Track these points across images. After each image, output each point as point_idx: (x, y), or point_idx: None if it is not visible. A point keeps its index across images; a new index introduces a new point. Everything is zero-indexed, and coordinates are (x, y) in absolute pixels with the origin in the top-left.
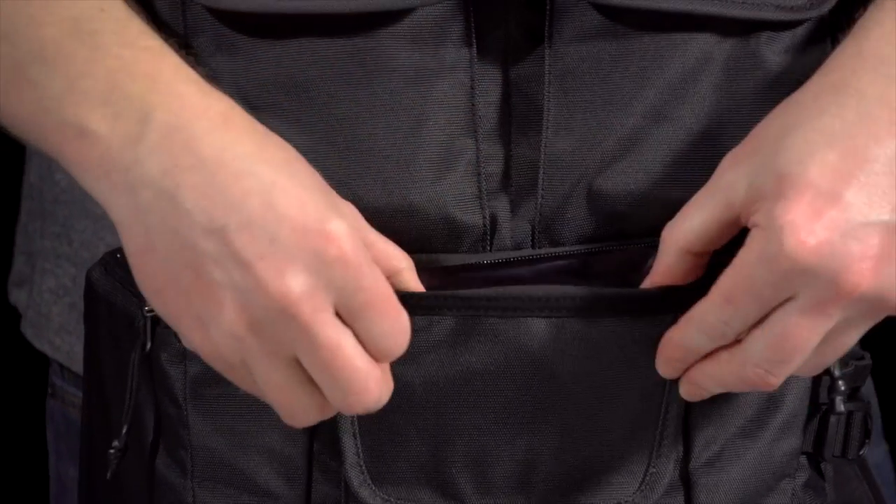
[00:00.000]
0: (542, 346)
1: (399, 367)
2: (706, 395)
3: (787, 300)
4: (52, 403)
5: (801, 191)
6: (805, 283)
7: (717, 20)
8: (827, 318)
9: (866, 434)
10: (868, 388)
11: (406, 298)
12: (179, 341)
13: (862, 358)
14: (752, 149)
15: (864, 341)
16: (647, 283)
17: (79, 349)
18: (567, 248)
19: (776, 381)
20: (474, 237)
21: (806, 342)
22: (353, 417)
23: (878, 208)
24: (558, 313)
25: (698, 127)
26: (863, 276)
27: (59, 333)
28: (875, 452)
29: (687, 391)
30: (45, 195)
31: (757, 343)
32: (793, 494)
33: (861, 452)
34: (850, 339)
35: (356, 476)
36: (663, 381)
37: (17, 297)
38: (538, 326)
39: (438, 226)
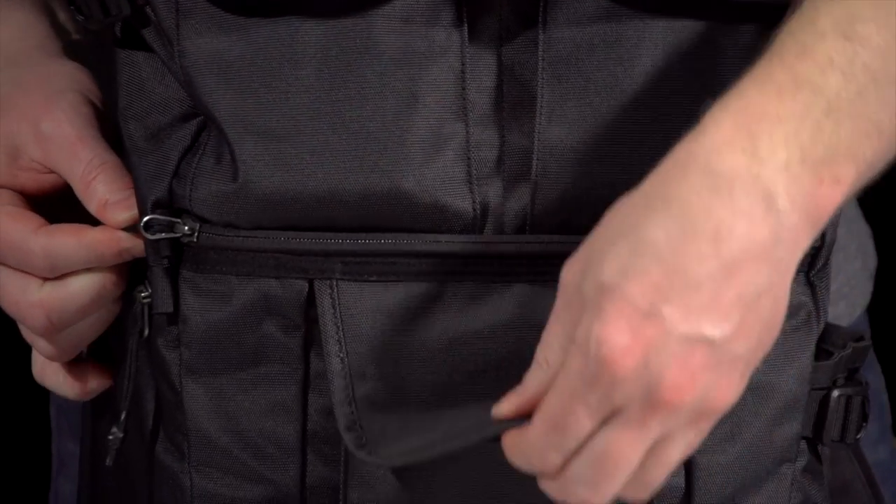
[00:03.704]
0: (532, 312)
1: (393, 331)
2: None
3: (608, 418)
4: None
5: (619, 307)
6: (623, 397)
7: (715, 4)
8: (647, 431)
9: (864, 417)
10: (878, 382)
11: (394, 266)
12: (175, 326)
13: (861, 339)
14: (586, 254)
15: (877, 331)
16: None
17: None
18: (559, 237)
19: (600, 501)
20: (464, 222)
21: (628, 457)
22: (348, 387)
23: (696, 324)
24: (544, 277)
25: (689, 116)
26: (680, 389)
27: None
28: (880, 450)
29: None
30: None
31: (579, 462)
32: (792, 480)
33: (858, 436)
34: (676, 452)
35: (353, 440)
36: None
37: None
38: (528, 291)
39: (428, 210)
